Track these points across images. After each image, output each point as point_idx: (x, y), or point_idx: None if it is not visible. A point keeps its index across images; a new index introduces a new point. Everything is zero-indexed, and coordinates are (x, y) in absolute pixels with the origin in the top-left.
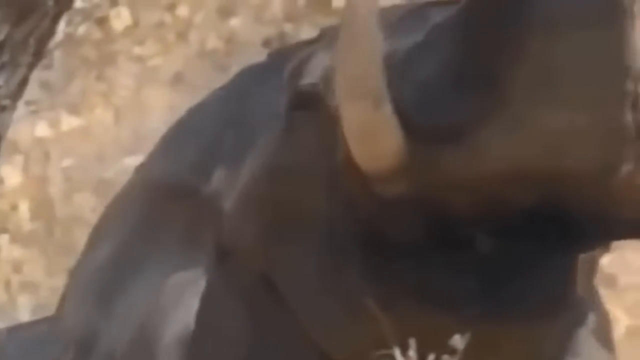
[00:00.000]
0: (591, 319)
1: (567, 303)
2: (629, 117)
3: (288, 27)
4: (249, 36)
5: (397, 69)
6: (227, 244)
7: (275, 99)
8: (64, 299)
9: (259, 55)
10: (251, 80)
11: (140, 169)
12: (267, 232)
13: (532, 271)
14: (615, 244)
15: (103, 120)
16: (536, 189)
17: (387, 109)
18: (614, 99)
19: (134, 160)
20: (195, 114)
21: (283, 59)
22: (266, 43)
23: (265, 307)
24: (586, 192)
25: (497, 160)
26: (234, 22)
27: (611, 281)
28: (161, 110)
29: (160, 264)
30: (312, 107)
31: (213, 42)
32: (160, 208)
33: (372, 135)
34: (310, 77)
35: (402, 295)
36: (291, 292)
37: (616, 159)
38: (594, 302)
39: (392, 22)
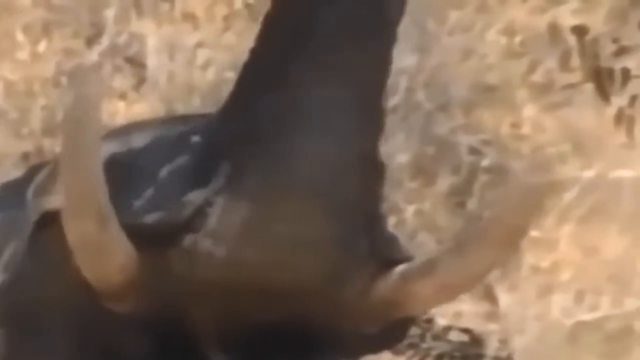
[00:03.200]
0: None
1: None
2: (360, 235)
3: (47, 142)
4: (7, 150)
5: (136, 176)
6: None
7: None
8: None
9: (18, 170)
10: (6, 196)
11: None
12: (15, 344)
13: None
14: None
15: None
16: (265, 300)
17: (112, 228)
18: (345, 215)
19: None
20: None
21: (39, 173)
22: (25, 157)
23: None
24: (318, 306)
25: (216, 267)
26: None
27: None
28: None
29: None
30: (56, 224)
31: None
32: None
33: (97, 254)
34: (58, 193)
35: None
36: None
37: (345, 275)
38: None
39: (127, 134)
